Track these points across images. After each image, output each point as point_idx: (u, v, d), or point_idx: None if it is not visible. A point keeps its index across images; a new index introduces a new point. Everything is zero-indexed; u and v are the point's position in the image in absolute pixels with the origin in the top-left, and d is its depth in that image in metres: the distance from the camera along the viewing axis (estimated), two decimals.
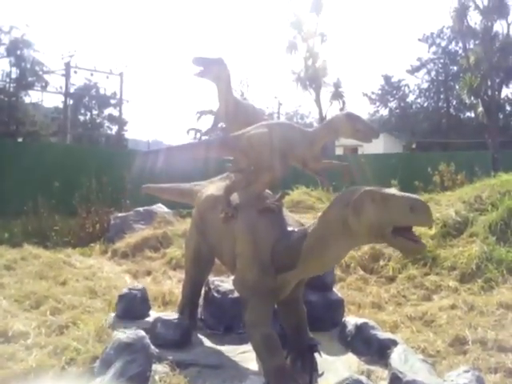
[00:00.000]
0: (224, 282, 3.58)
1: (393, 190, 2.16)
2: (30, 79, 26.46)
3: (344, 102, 18.82)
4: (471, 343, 3.44)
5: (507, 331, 3.59)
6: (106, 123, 37.42)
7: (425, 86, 39.80)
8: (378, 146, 21.84)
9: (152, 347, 2.71)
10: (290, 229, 2.58)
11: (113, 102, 34.28)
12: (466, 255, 5.04)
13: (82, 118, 36.92)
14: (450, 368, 3.00)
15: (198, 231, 3.20)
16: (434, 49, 38.55)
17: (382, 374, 2.74)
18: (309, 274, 2.64)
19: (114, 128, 35.05)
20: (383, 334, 3.14)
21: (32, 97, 28.48)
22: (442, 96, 38.67)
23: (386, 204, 2.09)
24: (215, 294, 3.48)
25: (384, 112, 41.74)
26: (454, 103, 36.95)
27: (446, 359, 3.25)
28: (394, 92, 41.07)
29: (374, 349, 3.01)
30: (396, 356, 2.66)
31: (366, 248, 5.71)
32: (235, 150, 2.83)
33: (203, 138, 3.29)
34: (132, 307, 3.51)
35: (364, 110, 44.50)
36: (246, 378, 2.63)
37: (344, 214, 2.20)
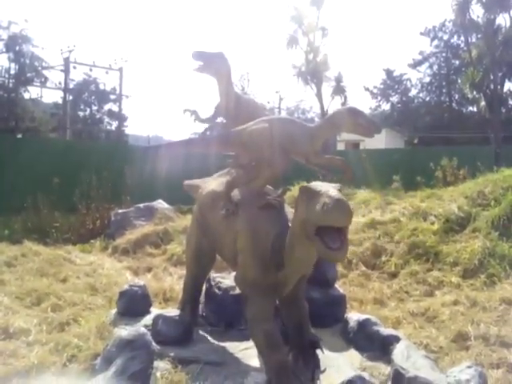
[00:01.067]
0: (225, 279, 3.57)
1: (326, 187, 2.07)
2: (29, 75, 26.38)
3: (345, 97, 18.69)
4: (473, 339, 3.44)
5: (509, 327, 3.58)
6: (106, 119, 37.35)
7: (427, 80, 39.60)
8: (379, 141, 21.77)
9: (153, 344, 2.70)
10: (291, 225, 2.56)
11: (112, 97, 34.22)
12: (469, 251, 5.02)
13: (81, 113, 36.83)
14: (452, 364, 3.00)
15: (199, 227, 3.18)
16: (436, 42, 38.32)
17: (384, 370, 2.73)
18: (294, 273, 2.55)
19: (114, 124, 35.00)
20: (385, 330, 3.13)
21: (31, 92, 28.43)
22: (444, 90, 38.48)
23: (310, 201, 2.05)
24: (216, 291, 3.46)
25: (386, 107, 41.59)
26: (457, 97, 36.76)
27: (448, 355, 3.25)
28: (396, 86, 40.87)
29: (376, 345, 3.00)
30: (398, 352, 2.65)
31: (367, 244, 5.70)
32: (236, 145, 2.81)
33: (200, 122, 3.28)
34: (133, 304, 3.51)
35: (366, 104, 44.44)
36: (248, 375, 2.62)
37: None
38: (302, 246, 2.28)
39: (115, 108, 33.56)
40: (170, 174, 5.63)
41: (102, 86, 34.71)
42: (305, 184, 2.18)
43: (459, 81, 24.16)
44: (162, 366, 2.62)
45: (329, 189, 2.06)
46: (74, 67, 27.16)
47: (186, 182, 3.69)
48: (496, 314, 3.81)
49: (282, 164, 2.60)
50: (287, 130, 2.64)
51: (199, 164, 6.77)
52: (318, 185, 2.14)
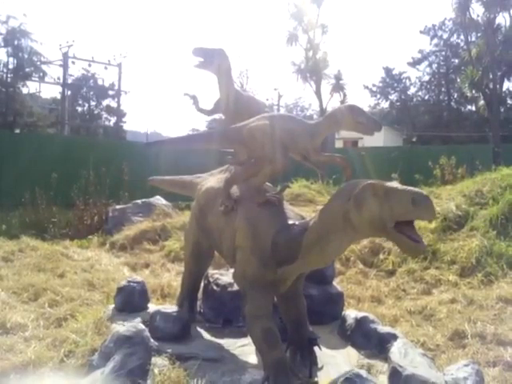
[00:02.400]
0: (223, 275, 3.56)
1: (394, 184, 2.12)
2: (27, 70, 26.19)
3: (345, 95, 18.72)
4: (470, 337, 3.45)
5: (506, 325, 3.60)
6: (104, 114, 37.25)
7: (426, 78, 39.64)
8: (378, 139, 21.78)
9: (151, 340, 2.70)
10: (290, 222, 2.56)
11: (111, 93, 34.09)
12: (466, 249, 5.03)
13: (79, 109, 36.73)
14: (449, 362, 3.01)
15: (197, 224, 3.17)
16: (435, 41, 38.34)
17: (381, 367, 2.74)
18: (309, 268, 2.61)
19: (112, 119, 34.95)
20: (383, 328, 3.13)
21: (30, 87, 28.28)
22: (443, 89, 38.52)
23: (387, 197, 2.05)
24: (214, 287, 3.46)
25: (385, 105, 41.64)
26: (456, 96, 36.80)
27: (445, 353, 3.26)
28: (395, 85, 40.88)
29: (373, 343, 3.00)
30: (396, 350, 2.65)
31: (365, 242, 5.70)
32: (236, 142, 2.80)
33: (198, 111, 3.29)
34: (131, 300, 3.50)
35: (365, 102, 44.42)
36: (246, 372, 2.62)
37: (345, 208, 2.18)
38: (339, 241, 2.28)
39: (114, 104, 33.49)
40: (169, 170, 5.62)
41: (100, 82, 34.59)
42: (369, 182, 2.14)
43: (458, 80, 24.13)
44: (159, 363, 2.62)
45: (403, 186, 2.09)
46: (73, 62, 27.04)
47: (151, 178, 3.76)
48: (493, 313, 3.82)
49: (282, 161, 2.59)
50: (287, 126, 2.63)
51: (198, 160, 6.77)
52: (387, 182, 2.14)
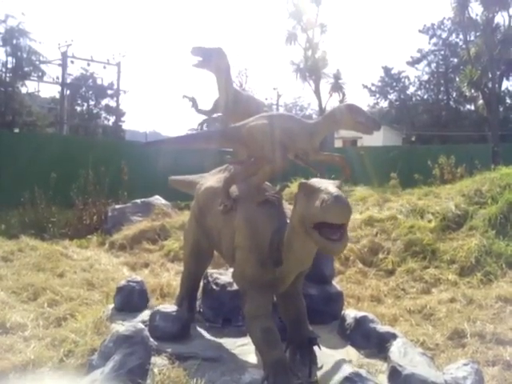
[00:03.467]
0: (223, 275, 3.56)
1: (325, 184, 2.08)
2: (26, 69, 26.13)
3: (344, 94, 18.71)
4: (470, 336, 3.45)
5: (505, 324, 3.60)
6: (103, 114, 37.20)
7: (425, 78, 39.66)
8: (377, 138, 21.78)
9: (151, 340, 2.69)
10: (289, 221, 2.56)
11: (110, 92, 34.08)
12: (466, 249, 5.04)
13: (78, 108, 36.66)
14: (448, 361, 3.01)
15: (196, 223, 3.17)
16: (434, 40, 38.34)
17: (381, 367, 2.73)
18: (295, 269, 2.54)
19: (111, 119, 34.90)
20: (382, 328, 3.13)
21: (28, 87, 28.22)
22: (442, 88, 38.53)
23: (309, 197, 2.05)
24: (214, 287, 3.46)
25: (384, 104, 41.64)
26: (454, 96, 36.83)
27: (444, 352, 3.27)
28: (394, 84, 40.89)
29: (373, 342, 3.00)
30: (395, 349, 2.65)
31: (364, 241, 5.71)
32: (235, 141, 2.80)
33: (197, 112, 3.29)
34: (130, 299, 3.50)
35: (364, 101, 44.40)
36: (245, 371, 2.61)
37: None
38: (301, 242, 2.28)
39: (113, 103, 33.49)
40: (168, 170, 5.62)
41: (99, 81, 34.57)
42: (304, 180, 2.17)
43: (457, 79, 24.16)
44: (159, 362, 2.61)
45: (328, 185, 2.06)
46: (72, 62, 27.04)
47: (173, 177, 3.70)
48: (492, 312, 3.83)
49: (282, 160, 2.59)
50: (286, 126, 2.63)
51: (197, 160, 6.76)
52: (317, 181, 2.14)
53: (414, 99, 40.60)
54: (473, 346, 3.30)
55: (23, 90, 27.54)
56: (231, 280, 3.07)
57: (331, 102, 18.68)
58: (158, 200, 8.04)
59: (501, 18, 14.61)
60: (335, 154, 2.91)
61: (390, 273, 5.17)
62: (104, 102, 36.88)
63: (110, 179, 8.64)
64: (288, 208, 2.76)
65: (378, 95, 41.45)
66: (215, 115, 3.34)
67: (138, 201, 8.00)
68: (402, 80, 40.78)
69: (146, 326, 2.85)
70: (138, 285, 3.59)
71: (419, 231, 5.65)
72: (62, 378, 2.73)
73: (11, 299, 4.01)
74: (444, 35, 37.95)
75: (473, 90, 14.43)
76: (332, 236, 2.00)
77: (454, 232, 5.58)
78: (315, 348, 2.73)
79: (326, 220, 1.99)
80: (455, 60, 34.30)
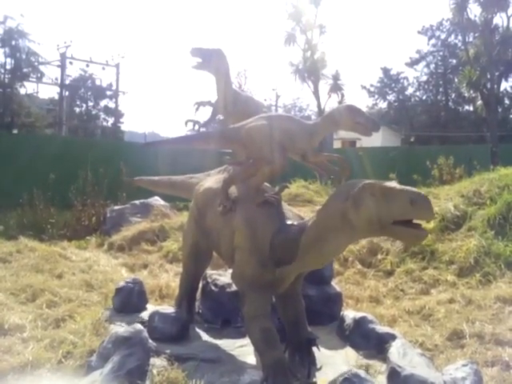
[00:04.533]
0: (222, 276, 3.56)
1: (393, 184, 2.13)
2: (25, 70, 26.12)
3: (343, 95, 18.70)
4: (469, 337, 3.45)
5: (504, 325, 3.60)
6: (102, 115, 37.14)
7: (424, 78, 39.70)
8: (376, 139, 21.82)
9: (150, 341, 2.69)
10: (288, 222, 2.56)
11: (109, 93, 34.04)
12: (464, 249, 5.04)
13: (77, 109, 36.61)
14: (447, 362, 3.01)
15: (195, 224, 3.17)
16: (433, 41, 38.40)
17: (380, 368, 2.74)
18: (308, 268, 2.62)
19: (110, 120, 34.85)
20: (381, 328, 3.13)
21: (27, 88, 28.20)
22: (441, 89, 38.58)
23: (385, 197, 2.07)
24: (213, 288, 3.46)
25: (383, 105, 41.67)
26: (453, 96, 36.89)
27: (443, 353, 3.26)
28: (393, 85, 40.94)
29: (372, 343, 3.00)
30: (394, 350, 2.65)
31: (363, 242, 5.70)
32: (234, 142, 2.80)
33: (201, 129, 3.25)
34: (129, 301, 3.49)
35: (363, 102, 44.39)
36: (244, 372, 2.61)
37: (343, 208, 2.18)
38: (337, 241, 2.28)
39: (111, 104, 33.47)
40: (167, 171, 5.61)
41: (98, 82, 34.51)
42: (367, 182, 2.15)
43: (456, 80, 24.20)
44: (158, 363, 2.61)
45: (405, 187, 2.10)
46: (71, 63, 27.04)
47: (137, 178, 3.75)
48: (491, 313, 3.83)
49: (281, 161, 2.59)
50: (286, 127, 2.63)
51: (197, 160, 6.76)
52: (387, 183, 2.15)
53: (412, 100, 40.65)
54: (472, 347, 3.30)
55: (22, 91, 27.55)
56: (230, 281, 3.07)
57: (330, 103, 18.71)
58: (156, 201, 8.03)
59: (499, 19, 14.66)
60: (334, 155, 2.91)
61: (389, 273, 5.18)
62: (103, 103, 36.85)
63: (108, 180, 8.62)
64: (287, 209, 2.76)
65: (376, 96, 41.50)
66: (217, 117, 3.33)
67: (137, 202, 7.98)
68: (401, 81, 40.85)
69: (145, 326, 2.84)
70: (137, 286, 3.59)
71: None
72: (61, 380, 2.72)
73: (9, 300, 4.00)
74: (443, 36, 38.03)
75: (472, 91, 14.46)
76: (415, 225, 2.07)
77: (452, 233, 5.58)
78: (314, 349, 2.73)
79: (418, 217, 2.08)
80: (454, 61, 34.35)
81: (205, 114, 3.35)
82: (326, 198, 2.44)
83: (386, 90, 41.13)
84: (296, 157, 2.74)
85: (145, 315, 3.30)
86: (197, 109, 3.25)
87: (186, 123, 3.19)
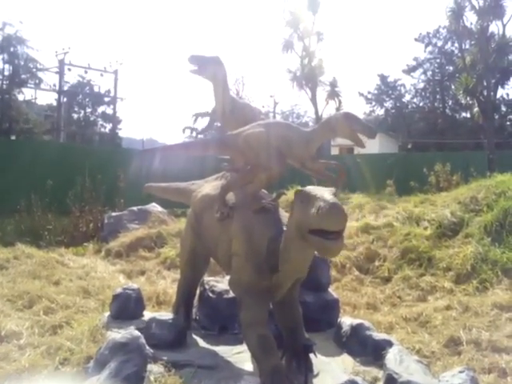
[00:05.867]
0: (219, 282, 3.56)
1: (321, 191, 2.11)
2: (23, 76, 26.17)
3: (340, 102, 18.78)
4: (466, 344, 3.46)
5: (501, 332, 3.61)
6: (100, 121, 37.14)
7: (421, 85, 39.92)
8: (373, 146, 21.87)
9: (147, 347, 2.69)
10: (285, 229, 2.57)
11: (107, 99, 34.07)
12: (461, 256, 5.05)
13: (75, 115, 36.60)
14: (444, 368, 3.01)
15: (193, 231, 3.18)
16: (430, 48, 38.66)
17: (377, 374, 2.74)
18: (291, 276, 2.56)
19: (108, 126, 34.83)
20: (378, 335, 3.13)
21: (25, 94, 28.21)
22: (437, 96, 38.79)
23: (306, 205, 2.09)
24: (210, 295, 3.46)
25: (380, 112, 41.86)
26: (450, 103, 37.09)
27: (440, 360, 3.27)
28: (390, 92, 41.16)
29: (369, 349, 3.00)
30: (391, 357, 2.66)
31: (361, 248, 5.72)
32: (232, 148, 2.81)
33: (199, 136, 3.28)
34: (126, 307, 3.49)
35: (360, 109, 44.61)
36: (241, 379, 2.61)
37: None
38: (298, 249, 2.30)
39: (109, 110, 33.43)
40: (165, 177, 5.62)
41: (96, 89, 34.56)
42: (300, 188, 2.20)
43: (453, 87, 24.37)
44: (155, 370, 2.61)
45: (324, 193, 2.09)
46: (69, 69, 27.10)
47: (147, 185, 3.76)
48: (488, 319, 3.83)
49: (278, 168, 2.61)
50: (283, 133, 2.65)
51: (194, 167, 6.77)
52: (313, 189, 2.17)
53: (409, 107, 40.85)
54: (468, 354, 3.30)
55: (20, 98, 27.57)
56: (227, 287, 3.07)
57: (328, 110, 18.77)
58: (154, 207, 8.03)
59: (495, 27, 14.76)
60: (332, 162, 2.93)
61: (387, 280, 5.18)
62: (101, 109, 36.85)
63: (106, 186, 8.63)
64: (284, 215, 2.77)
65: (374, 103, 41.70)
66: (214, 124, 3.35)
67: (135, 208, 7.98)
68: (398, 88, 41.07)
69: (142, 333, 2.84)
70: (134, 292, 3.59)
71: (415, 239, 5.67)
72: None
73: (6, 307, 3.99)
74: (439, 43, 38.31)
75: (468, 98, 14.53)
76: (329, 236, 2.01)
77: (449, 239, 5.59)
78: (311, 355, 2.73)
79: (322, 227, 2.02)
80: (451, 68, 34.57)
81: (203, 121, 3.38)
82: None
83: (384, 97, 41.34)
84: (294, 163, 2.76)
85: (142, 322, 3.30)
86: (195, 120, 3.27)
87: (184, 130, 3.22)
